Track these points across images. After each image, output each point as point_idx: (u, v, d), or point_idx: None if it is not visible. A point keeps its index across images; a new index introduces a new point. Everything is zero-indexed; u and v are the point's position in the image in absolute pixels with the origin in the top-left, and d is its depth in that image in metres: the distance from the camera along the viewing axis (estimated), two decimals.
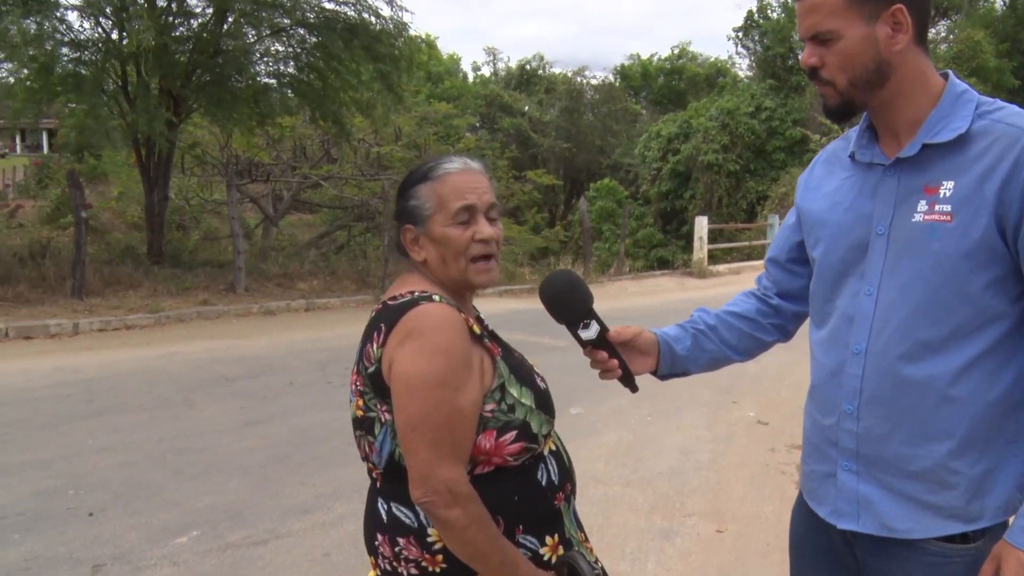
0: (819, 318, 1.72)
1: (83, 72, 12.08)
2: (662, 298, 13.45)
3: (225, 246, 15.65)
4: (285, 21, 13.13)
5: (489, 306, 11.82)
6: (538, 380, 1.74)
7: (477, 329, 1.64)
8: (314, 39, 13.25)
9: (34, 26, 10.60)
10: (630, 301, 13.11)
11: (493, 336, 1.82)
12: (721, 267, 17.97)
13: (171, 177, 14.85)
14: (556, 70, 36.01)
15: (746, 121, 23.33)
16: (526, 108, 32.67)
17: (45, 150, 35.49)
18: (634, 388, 1.84)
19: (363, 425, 1.66)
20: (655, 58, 38.43)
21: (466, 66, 47.83)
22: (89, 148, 23.44)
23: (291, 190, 19.08)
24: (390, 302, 1.63)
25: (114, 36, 12.28)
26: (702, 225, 17.58)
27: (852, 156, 1.67)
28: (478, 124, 31.70)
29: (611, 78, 36.65)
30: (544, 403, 1.71)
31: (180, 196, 18.46)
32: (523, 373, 1.71)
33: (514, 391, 1.65)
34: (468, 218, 1.67)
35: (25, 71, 11.81)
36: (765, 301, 1.93)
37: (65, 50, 11.82)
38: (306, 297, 12.26)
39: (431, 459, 1.53)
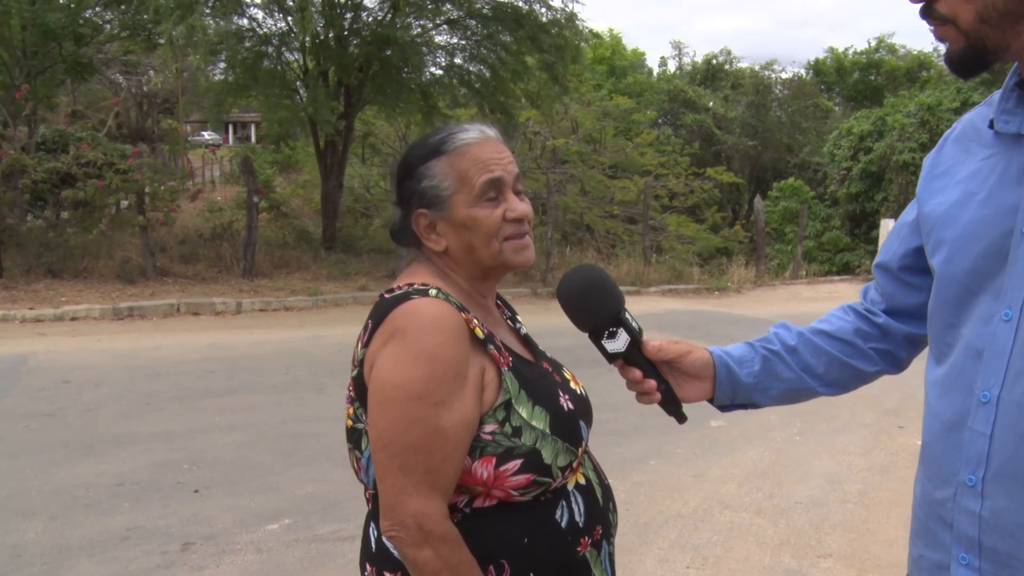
0: (938, 350, 1.26)
1: (265, 66, 12.68)
2: (836, 305, 12.42)
3: None
4: (455, 12, 13.21)
5: (648, 304, 11.37)
6: (563, 400, 1.41)
7: (480, 332, 1.35)
8: (483, 31, 13.25)
9: (219, 23, 11.18)
10: (801, 307, 12.21)
11: (526, 340, 1.54)
12: None
13: (347, 166, 15.37)
14: (743, 64, 34.63)
15: (949, 118, 21.22)
16: (711, 104, 31.53)
17: (253, 141, 38.07)
18: (681, 418, 1.49)
19: (352, 437, 1.43)
20: (850, 51, 36.08)
21: (652, 61, 46.98)
22: (285, 138, 24.87)
23: None
24: (386, 295, 1.38)
25: (296, 30, 12.79)
26: (887, 228, 16.20)
27: (992, 125, 1.18)
28: (660, 120, 30.95)
29: (802, 73, 34.80)
30: (565, 428, 1.38)
31: (362, 185, 19.15)
32: (541, 389, 1.39)
33: (523, 411, 1.34)
34: (496, 195, 1.39)
35: (213, 67, 12.57)
36: (868, 319, 1.48)
37: (248, 44, 12.43)
38: None
39: (400, 487, 1.27)
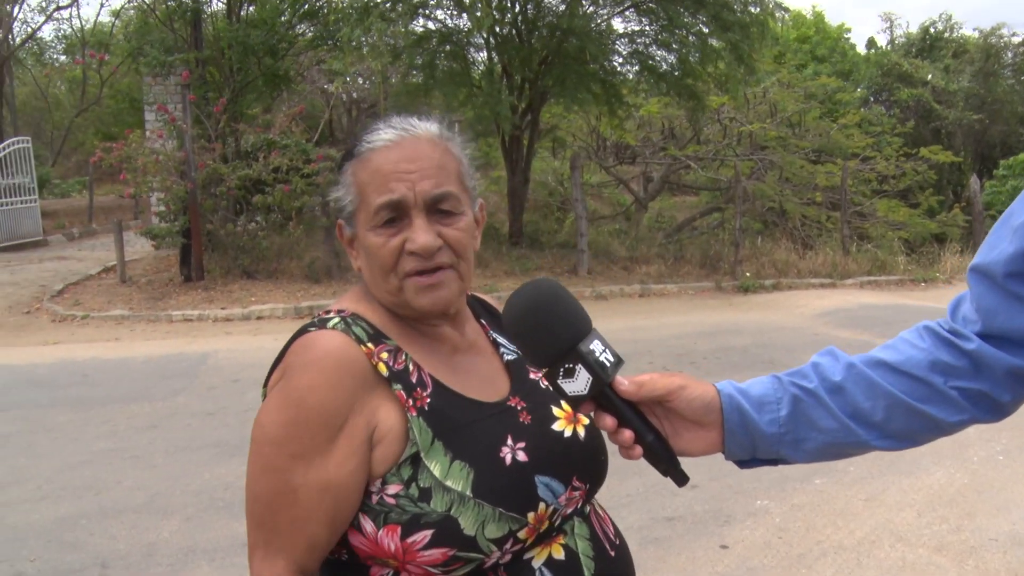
0: None
1: (444, 66, 12.85)
2: None
3: (597, 228, 15.91)
4: None
5: (841, 298, 10.44)
6: (507, 450, 1.09)
7: (385, 369, 1.07)
8: (664, 14, 12.70)
9: (398, 27, 11.40)
10: None
11: (510, 367, 1.24)
12: None
13: (539, 160, 15.32)
14: (966, 31, 31.44)
15: None
16: (929, 76, 28.83)
17: None
18: (680, 479, 1.07)
19: None
20: None
21: (857, 35, 43.74)
22: (480, 136, 25.47)
23: (660, 171, 18.85)
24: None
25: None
26: None
27: None
28: (871, 98, 28.70)
29: None
30: (500, 488, 1.06)
31: (556, 180, 19.14)
32: (470, 438, 1.08)
33: (435, 467, 1.05)
34: (396, 217, 1.10)
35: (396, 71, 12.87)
36: (953, 345, 1.06)
37: (429, 45, 12.62)
38: (643, 282, 11.82)
39: (252, 542, 1.11)
